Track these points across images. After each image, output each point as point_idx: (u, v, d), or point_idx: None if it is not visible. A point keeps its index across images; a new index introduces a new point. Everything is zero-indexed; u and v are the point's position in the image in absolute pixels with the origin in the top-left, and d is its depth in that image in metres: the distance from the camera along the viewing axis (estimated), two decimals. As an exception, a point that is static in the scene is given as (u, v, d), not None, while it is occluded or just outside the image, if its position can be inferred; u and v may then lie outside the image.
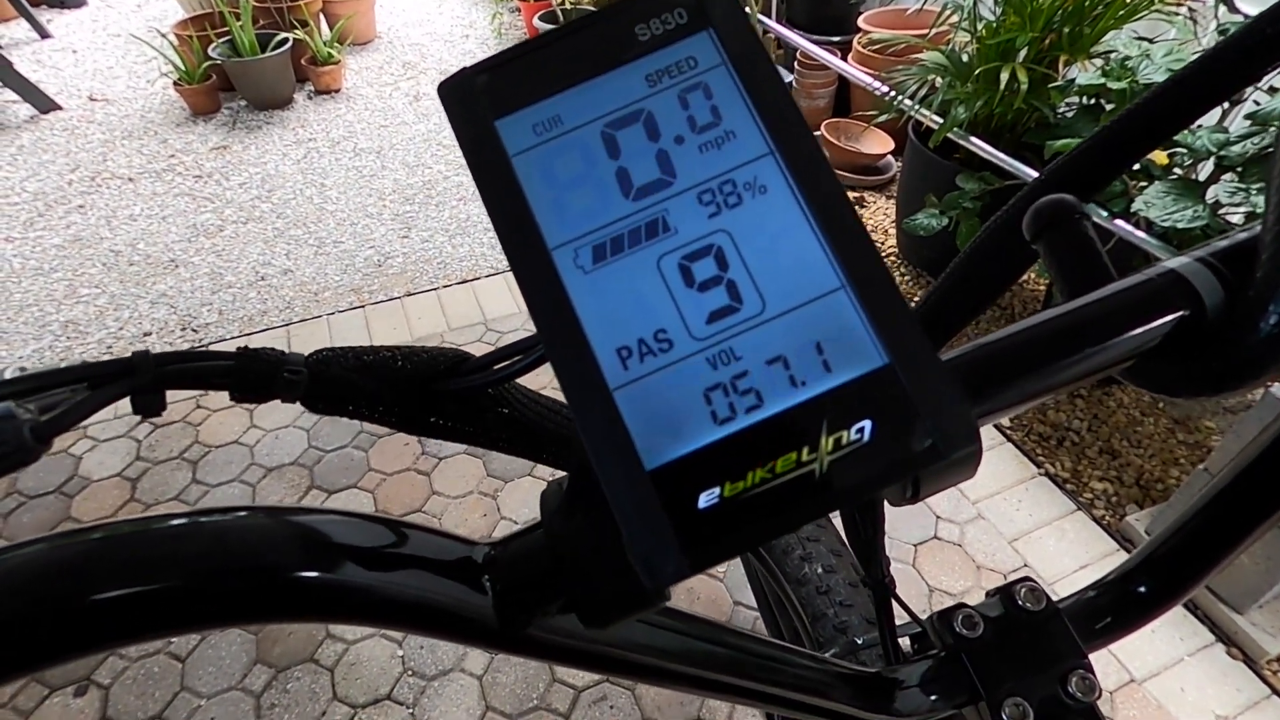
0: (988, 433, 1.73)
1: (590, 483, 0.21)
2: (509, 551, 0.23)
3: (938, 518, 1.55)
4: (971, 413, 0.17)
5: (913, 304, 0.26)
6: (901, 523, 1.54)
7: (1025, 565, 1.47)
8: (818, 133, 2.65)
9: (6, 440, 0.18)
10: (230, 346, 0.22)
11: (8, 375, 0.19)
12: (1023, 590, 0.35)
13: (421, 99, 3.23)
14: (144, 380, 0.20)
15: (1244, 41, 0.26)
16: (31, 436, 0.19)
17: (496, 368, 0.24)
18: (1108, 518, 1.56)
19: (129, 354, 0.20)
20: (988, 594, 0.36)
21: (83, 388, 0.20)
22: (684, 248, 0.18)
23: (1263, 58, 0.26)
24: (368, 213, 2.53)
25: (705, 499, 0.16)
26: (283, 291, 2.19)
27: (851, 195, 2.53)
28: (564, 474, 0.23)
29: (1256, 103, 1.39)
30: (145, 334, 2.04)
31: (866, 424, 0.16)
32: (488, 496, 1.59)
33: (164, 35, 3.09)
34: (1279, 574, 1.25)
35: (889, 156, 2.59)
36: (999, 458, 1.67)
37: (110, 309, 2.13)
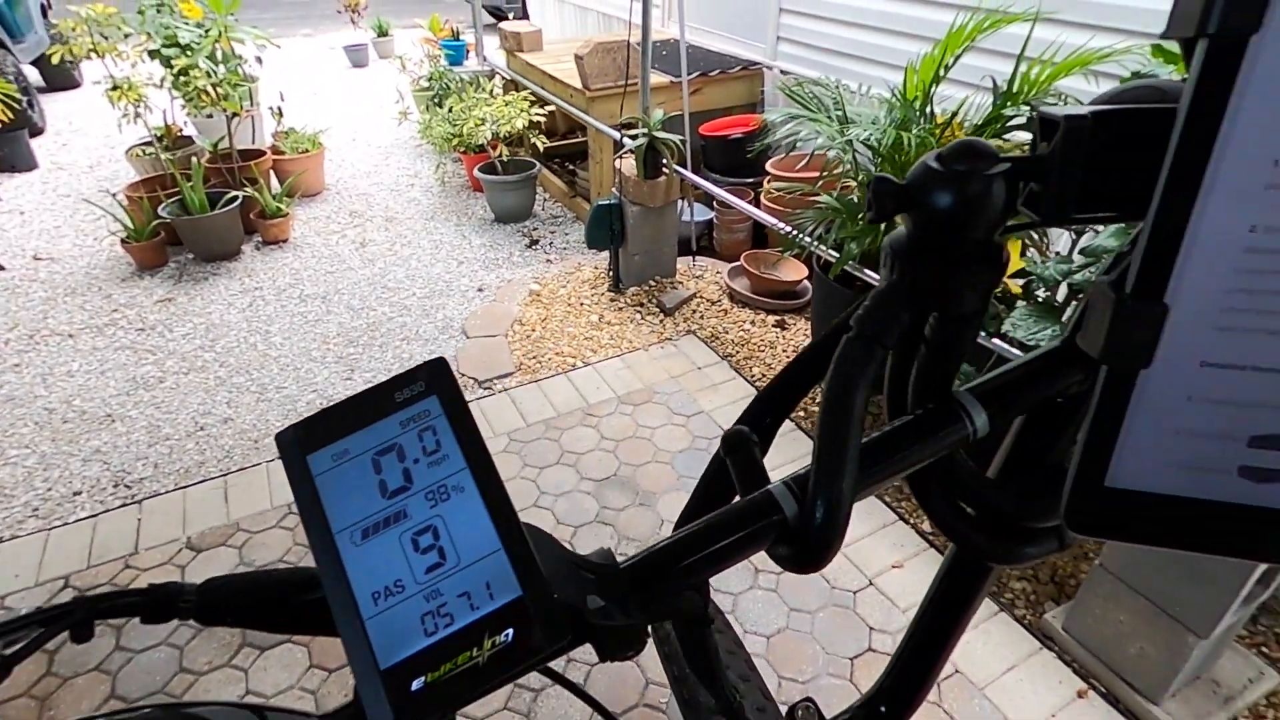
0: (898, 530, 1.82)
1: None
2: None
3: (871, 629, 1.60)
4: (562, 617, 0.28)
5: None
6: (829, 632, 1.58)
7: (956, 672, 1.51)
8: (738, 263, 2.88)
9: None
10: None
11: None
12: (799, 711, 0.43)
13: (367, 245, 3.40)
14: (80, 618, 0.28)
15: None
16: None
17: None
18: (1028, 616, 1.63)
19: (67, 600, 0.27)
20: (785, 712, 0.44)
21: (35, 627, 0.27)
22: (415, 527, 0.29)
23: None
24: (311, 357, 2.60)
25: (416, 684, 0.26)
26: (222, 440, 2.20)
27: (773, 319, 2.73)
28: None
29: (1095, 230, 1.62)
30: (75, 493, 2.01)
31: (510, 631, 0.27)
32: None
33: (114, 196, 3.22)
34: (1179, 662, 1.33)
35: (805, 282, 2.82)
36: (924, 564, 1.74)
37: (40, 469, 2.10)
